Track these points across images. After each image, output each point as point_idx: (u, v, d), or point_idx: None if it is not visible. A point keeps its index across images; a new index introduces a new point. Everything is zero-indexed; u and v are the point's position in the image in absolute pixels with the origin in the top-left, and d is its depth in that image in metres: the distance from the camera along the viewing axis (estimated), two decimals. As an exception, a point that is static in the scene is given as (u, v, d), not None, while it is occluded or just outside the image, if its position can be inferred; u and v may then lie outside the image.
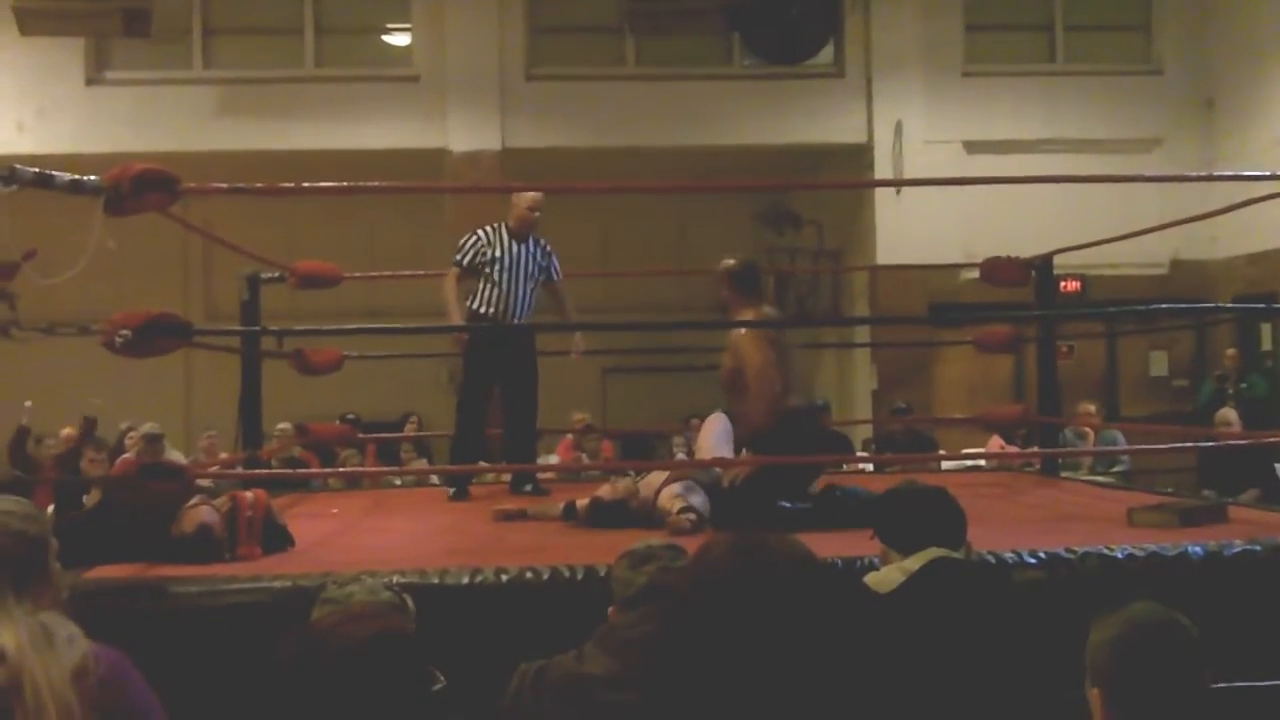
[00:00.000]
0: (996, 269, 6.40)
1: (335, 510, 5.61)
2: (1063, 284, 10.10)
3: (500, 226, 6.12)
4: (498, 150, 11.43)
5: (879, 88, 11.73)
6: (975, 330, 7.23)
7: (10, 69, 11.19)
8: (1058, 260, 6.50)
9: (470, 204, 9.74)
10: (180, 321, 4.23)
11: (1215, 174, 9.91)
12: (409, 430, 10.59)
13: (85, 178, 3.72)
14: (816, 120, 11.71)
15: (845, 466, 7.12)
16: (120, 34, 10.93)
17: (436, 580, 3.35)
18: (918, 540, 2.72)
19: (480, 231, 6.13)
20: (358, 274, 8.00)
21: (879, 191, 11.57)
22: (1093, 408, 10.11)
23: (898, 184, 11.48)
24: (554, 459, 9.68)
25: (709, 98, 11.69)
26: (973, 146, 11.44)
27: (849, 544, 3.39)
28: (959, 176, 10.18)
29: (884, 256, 11.33)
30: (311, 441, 8.13)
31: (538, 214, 6.08)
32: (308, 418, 8.01)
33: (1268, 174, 5.17)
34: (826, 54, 11.82)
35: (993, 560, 3.40)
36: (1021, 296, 6.84)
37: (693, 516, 4.31)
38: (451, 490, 6.06)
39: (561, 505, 4.82)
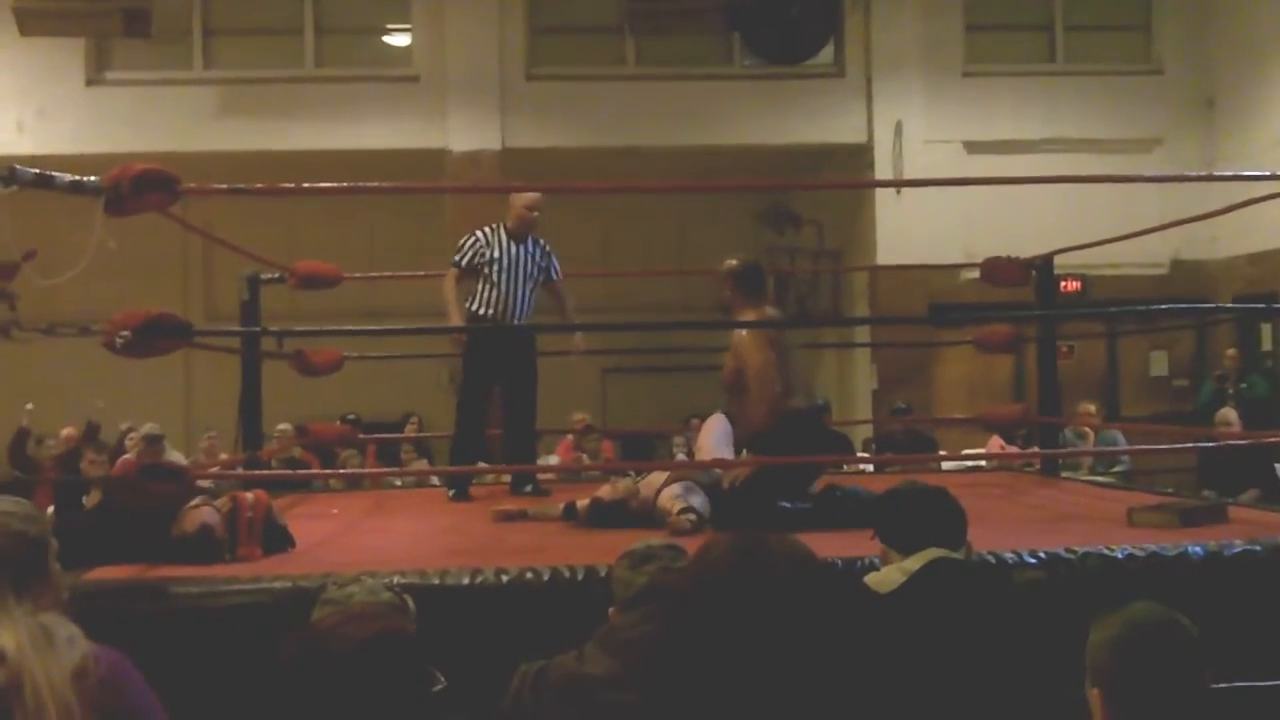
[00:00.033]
0: (997, 269, 6.40)
1: (335, 511, 5.61)
2: (1063, 284, 10.10)
3: (499, 227, 6.11)
4: (498, 150, 11.43)
5: (879, 88, 11.73)
6: (975, 330, 7.23)
7: (10, 69, 11.20)
8: (1058, 260, 6.50)
9: (470, 204, 9.74)
10: (180, 322, 4.23)
11: (1215, 174, 9.90)
12: (409, 431, 10.60)
13: (85, 178, 3.72)
14: (816, 120, 11.71)
15: (845, 467, 7.12)
16: (120, 34, 10.94)
17: (436, 581, 3.35)
18: (918, 540, 2.72)
19: (479, 232, 6.13)
20: (358, 274, 8.00)
21: (879, 191, 11.57)
22: (1093, 408, 10.11)
23: (898, 184, 11.49)
24: (554, 459, 9.68)
25: (709, 98, 11.69)
26: (973, 146, 11.44)
27: (849, 544, 3.39)
28: (959, 176, 10.20)
29: (884, 256, 11.33)
30: (312, 442, 8.13)
31: (536, 214, 6.07)
32: (308, 418, 8.01)
33: (1268, 174, 5.17)
34: (826, 54, 11.82)
35: (993, 560, 3.40)
36: (1022, 296, 6.83)
37: (693, 517, 4.31)
38: (452, 491, 6.05)
39: (561, 506, 4.81)
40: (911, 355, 10.90)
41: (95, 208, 3.69)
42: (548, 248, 6.21)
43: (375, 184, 7.04)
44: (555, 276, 6.24)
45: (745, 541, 1.93)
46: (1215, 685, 1.96)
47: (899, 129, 11.63)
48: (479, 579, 3.37)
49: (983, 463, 8.14)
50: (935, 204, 11.19)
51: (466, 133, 11.44)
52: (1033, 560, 3.49)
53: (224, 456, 7.68)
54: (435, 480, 7.68)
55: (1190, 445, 8.08)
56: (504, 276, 6.01)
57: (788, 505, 4.51)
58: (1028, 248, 6.62)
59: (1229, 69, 11.70)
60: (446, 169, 11.39)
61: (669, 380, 11.47)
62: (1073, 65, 12.01)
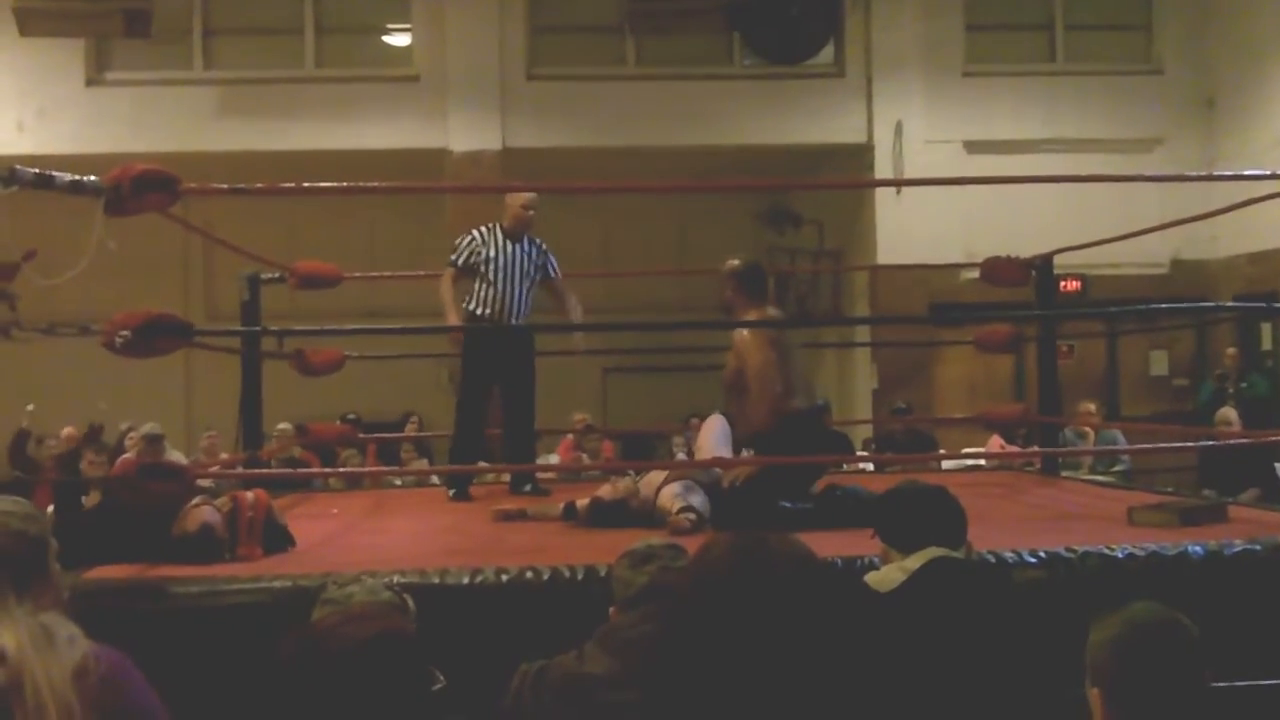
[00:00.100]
0: (997, 269, 6.39)
1: (335, 510, 5.61)
2: (1063, 284, 10.10)
3: (495, 227, 6.12)
4: (498, 150, 11.43)
5: (879, 88, 11.73)
6: (975, 330, 7.23)
7: (10, 69, 11.20)
8: (1058, 260, 6.50)
9: (470, 204, 9.73)
10: (180, 322, 4.23)
11: (1215, 174, 9.91)
12: (409, 430, 10.59)
13: (85, 178, 3.72)
14: (817, 120, 11.71)
15: (845, 466, 7.12)
16: (120, 34, 10.95)
17: (436, 580, 3.35)
18: (918, 540, 2.72)
19: (475, 232, 6.14)
20: (358, 274, 8.00)
21: (879, 191, 11.57)
22: (1093, 407, 10.11)
23: (898, 184, 11.48)
24: (554, 459, 9.68)
25: (709, 98, 11.69)
26: (973, 146, 11.44)
27: (849, 544, 3.39)
28: (959, 176, 10.19)
29: (884, 256, 11.33)
30: (312, 442, 8.12)
31: (532, 213, 6.08)
32: (308, 418, 8.01)
33: (1268, 173, 5.17)
34: (827, 54, 11.82)
35: (993, 560, 3.40)
36: (1022, 296, 6.84)
37: (693, 516, 4.31)
38: (452, 491, 6.06)
39: (561, 505, 4.81)
40: (912, 355, 10.90)
41: (95, 208, 3.68)
42: (544, 246, 6.21)
43: (375, 184, 7.05)
44: (553, 275, 6.24)
45: (745, 541, 1.93)
46: (1215, 685, 1.96)
47: (899, 129, 11.63)
48: (479, 579, 3.37)
49: (983, 462, 8.14)
50: (935, 204, 11.19)
51: (467, 133, 11.44)
52: (1033, 560, 3.49)
53: (224, 456, 7.68)
54: (435, 480, 7.68)
55: (1190, 445, 8.08)
56: (500, 275, 6.01)
57: (788, 505, 4.51)
58: (1028, 247, 6.62)
59: (1229, 69, 11.70)
60: (446, 169, 11.39)
61: (669, 380, 11.47)
62: (1073, 65, 12.01)
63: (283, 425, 8.67)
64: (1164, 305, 7.53)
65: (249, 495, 3.96)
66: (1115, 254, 8.10)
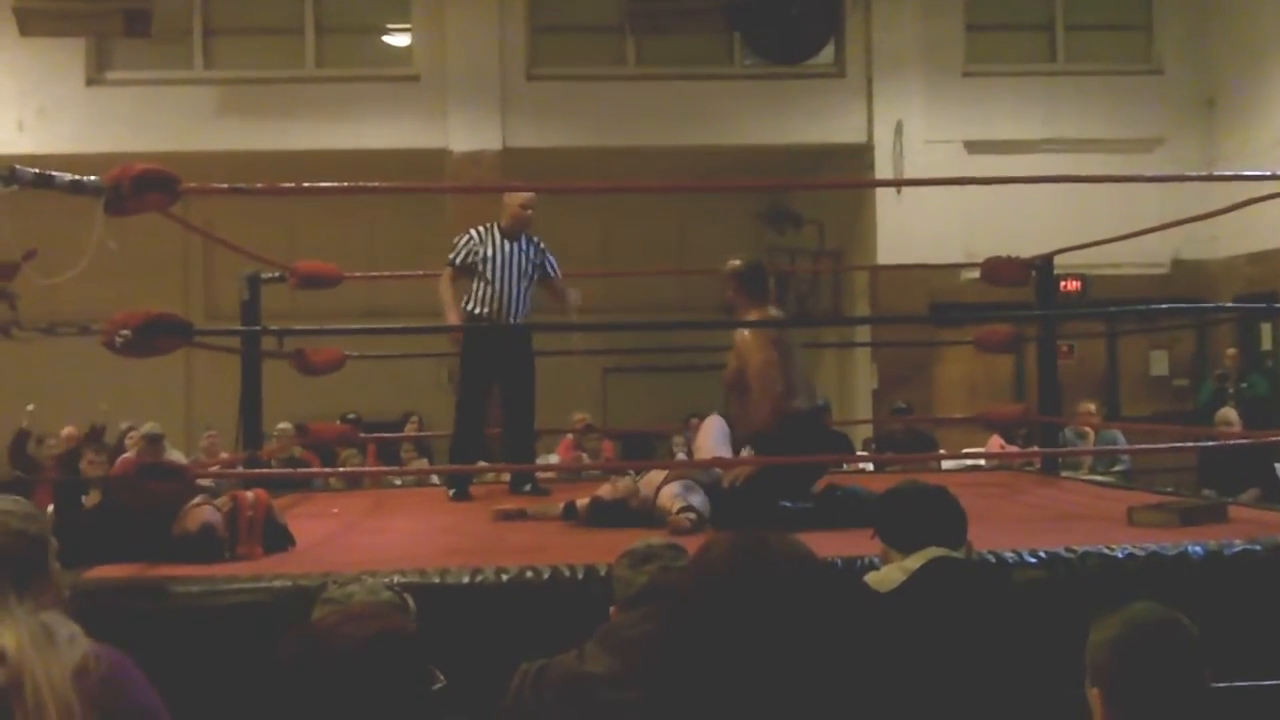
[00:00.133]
0: (997, 269, 6.40)
1: (336, 510, 5.61)
2: (1063, 284, 10.12)
3: (493, 226, 6.12)
4: (498, 150, 11.43)
5: (879, 88, 11.73)
6: (976, 330, 7.22)
7: (10, 69, 11.20)
8: (1058, 260, 6.50)
9: (471, 204, 9.72)
10: (180, 321, 4.23)
11: (1216, 174, 9.90)
12: (409, 430, 10.59)
13: (85, 178, 3.73)
14: (817, 120, 11.71)
15: (845, 466, 7.12)
16: (121, 34, 10.95)
17: (437, 580, 3.35)
18: (918, 539, 2.73)
19: (473, 231, 6.14)
20: (358, 274, 8.00)
21: (879, 191, 11.57)
22: (1093, 407, 10.11)
23: (898, 184, 11.49)
24: (554, 459, 9.68)
25: (709, 98, 11.69)
26: (973, 146, 11.44)
27: (849, 543, 3.39)
28: (959, 176, 10.20)
29: (884, 256, 11.34)
30: (312, 441, 8.13)
31: (530, 213, 6.08)
32: (308, 418, 8.01)
33: (1268, 174, 5.17)
34: (827, 54, 11.82)
35: (993, 560, 3.40)
36: (1022, 296, 6.84)
37: (693, 516, 4.31)
38: (452, 490, 6.06)
39: (561, 505, 4.82)
40: (912, 355, 10.91)
41: (95, 208, 3.69)
42: (542, 245, 6.21)
43: (375, 184, 7.05)
44: (552, 274, 6.24)
45: (745, 541, 1.93)
46: (1215, 685, 1.95)
47: (899, 129, 11.63)
48: (479, 578, 3.37)
49: (983, 462, 8.14)
50: (935, 204, 11.20)
51: (467, 133, 11.44)
52: (1033, 560, 3.49)
53: (224, 455, 7.68)
54: (435, 479, 7.68)
55: (1190, 445, 8.08)
56: (498, 274, 6.01)
57: (788, 505, 4.51)
58: (1028, 247, 6.62)
59: (1229, 69, 11.70)
60: (447, 169, 11.39)
61: (669, 380, 11.47)
62: (1073, 65, 12.01)
63: (283, 425, 8.67)
64: (1164, 305, 7.54)
65: (249, 495, 3.96)
66: (1115, 254, 8.10)
